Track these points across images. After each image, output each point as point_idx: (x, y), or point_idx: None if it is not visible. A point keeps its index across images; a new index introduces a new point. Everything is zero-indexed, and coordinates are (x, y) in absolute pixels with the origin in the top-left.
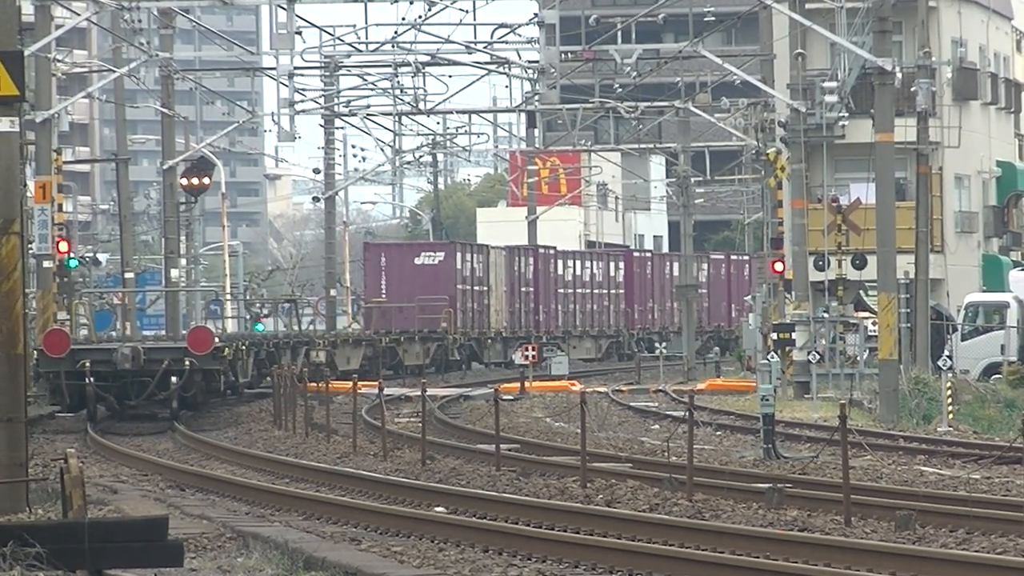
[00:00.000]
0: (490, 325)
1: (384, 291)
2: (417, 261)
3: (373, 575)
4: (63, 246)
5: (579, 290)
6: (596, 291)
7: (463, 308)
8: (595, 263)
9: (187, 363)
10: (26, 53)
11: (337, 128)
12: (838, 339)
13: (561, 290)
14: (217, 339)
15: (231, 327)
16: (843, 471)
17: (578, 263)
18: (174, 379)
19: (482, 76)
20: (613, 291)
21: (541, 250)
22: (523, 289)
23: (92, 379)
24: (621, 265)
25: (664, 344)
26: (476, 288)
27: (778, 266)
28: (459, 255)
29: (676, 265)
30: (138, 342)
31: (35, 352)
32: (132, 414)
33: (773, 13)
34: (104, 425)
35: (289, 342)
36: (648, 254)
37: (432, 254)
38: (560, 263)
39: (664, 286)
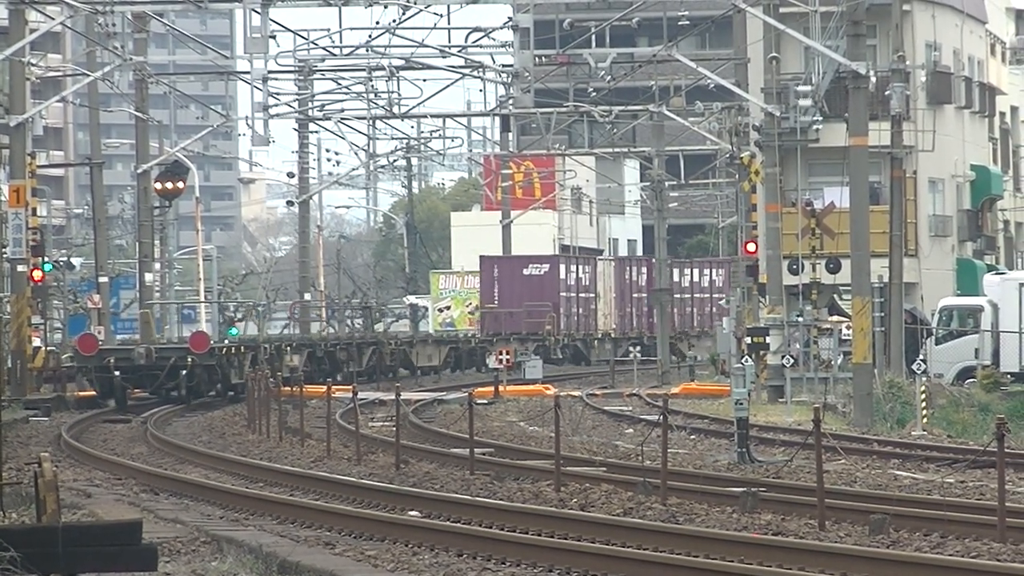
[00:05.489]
0: (597, 327)
1: (496, 298)
2: (525, 271)
3: None
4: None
5: (696, 295)
6: (716, 295)
7: (567, 313)
8: (714, 270)
9: (189, 360)
10: (0, 57)
11: (311, 132)
12: (812, 343)
13: (677, 295)
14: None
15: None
16: (817, 475)
17: (695, 270)
18: (183, 372)
19: (456, 80)
20: None
21: (654, 260)
22: (635, 295)
23: (118, 372)
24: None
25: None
26: (582, 295)
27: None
28: (563, 266)
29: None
30: (150, 343)
31: (72, 349)
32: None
33: (747, 17)
34: (79, 428)
35: (352, 343)
36: None
37: (538, 265)
38: (676, 270)
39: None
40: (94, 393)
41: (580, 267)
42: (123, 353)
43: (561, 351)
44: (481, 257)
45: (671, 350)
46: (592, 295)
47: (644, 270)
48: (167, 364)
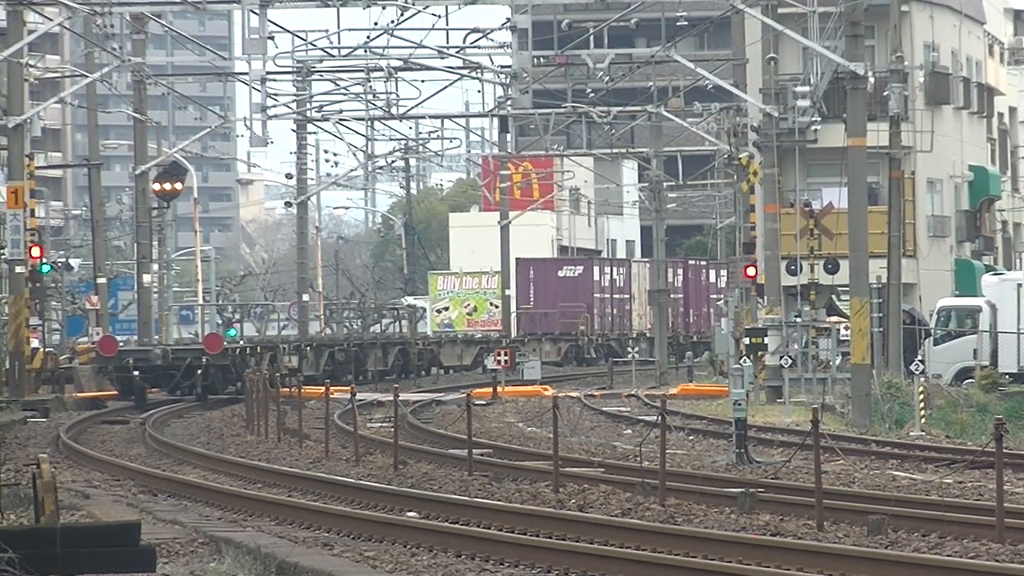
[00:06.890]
0: (632, 327)
1: (532, 299)
2: (560, 273)
3: None
4: (35, 251)
5: None
6: None
7: (600, 313)
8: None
9: (204, 360)
10: None
11: (309, 133)
12: (810, 343)
13: (714, 295)
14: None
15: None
16: (815, 475)
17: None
18: (199, 371)
19: (454, 81)
20: None
21: (691, 261)
22: (671, 296)
23: (137, 372)
24: None
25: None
26: (616, 296)
27: (750, 271)
28: (596, 268)
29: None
30: (167, 344)
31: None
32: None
33: (746, 18)
34: (77, 429)
35: (376, 342)
36: None
37: (572, 268)
38: (712, 272)
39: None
40: (93, 394)
41: (614, 269)
42: (141, 354)
43: (595, 351)
44: (517, 259)
45: (707, 349)
46: (627, 296)
47: (680, 271)
48: (183, 364)
